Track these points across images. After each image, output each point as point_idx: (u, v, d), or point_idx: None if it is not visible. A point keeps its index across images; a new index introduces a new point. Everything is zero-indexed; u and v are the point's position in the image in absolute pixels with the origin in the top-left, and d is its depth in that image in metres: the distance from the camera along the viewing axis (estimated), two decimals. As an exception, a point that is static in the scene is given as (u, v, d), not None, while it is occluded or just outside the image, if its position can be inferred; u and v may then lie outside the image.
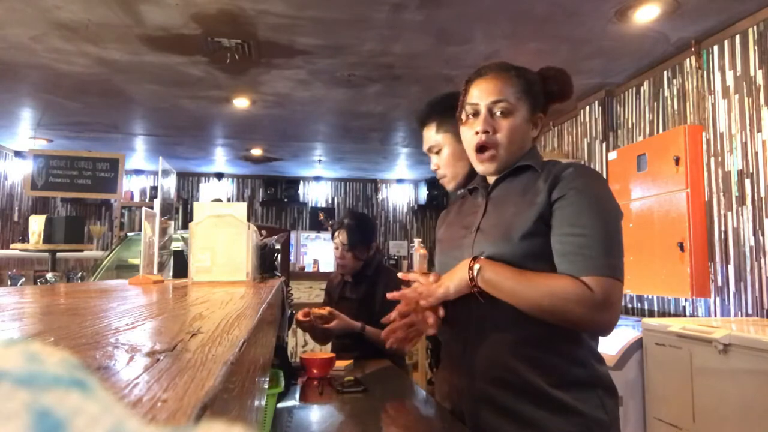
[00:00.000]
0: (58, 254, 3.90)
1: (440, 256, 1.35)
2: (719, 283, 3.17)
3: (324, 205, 8.15)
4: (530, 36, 3.28)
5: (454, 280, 1.15)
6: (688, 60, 3.45)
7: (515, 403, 1.11)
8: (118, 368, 0.31)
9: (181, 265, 1.69)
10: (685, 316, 3.42)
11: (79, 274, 4.17)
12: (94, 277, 3.78)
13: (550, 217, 1.12)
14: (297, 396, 1.62)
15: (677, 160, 3.30)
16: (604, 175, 3.98)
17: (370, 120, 5.09)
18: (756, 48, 2.99)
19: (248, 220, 1.46)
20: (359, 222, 2.46)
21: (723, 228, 3.16)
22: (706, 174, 3.28)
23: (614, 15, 2.99)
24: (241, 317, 0.58)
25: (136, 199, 7.43)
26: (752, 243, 2.97)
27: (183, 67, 3.79)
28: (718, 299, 3.18)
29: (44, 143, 5.88)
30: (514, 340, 1.13)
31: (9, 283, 4.08)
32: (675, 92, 3.58)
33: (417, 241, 2.72)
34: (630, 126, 4.03)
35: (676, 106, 3.58)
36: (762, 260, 2.90)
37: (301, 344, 4.03)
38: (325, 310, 2.20)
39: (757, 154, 2.96)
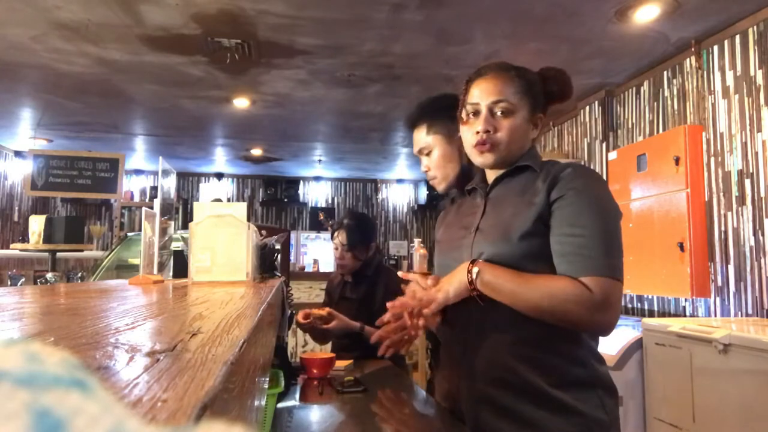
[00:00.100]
0: (58, 254, 3.90)
1: (439, 256, 1.34)
2: (719, 283, 3.17)
3: (324, 205, 8.15)
4: (530, 36, 3.28)
5: (453, 284, 1.15)
6: (688, 60, 3.45)
7: (515, 404, 1.11)
8: (118, 368, 0.32)
9: (181, 265, 1.69)
10: (685, 316, 3.41)
11: (79, 274, 4.17)
12: (94, 277, 3.78)
13: (549, 218, 1.12)
14: (297, 396, 1.62)
15: (677, 160, 3.30)
16: (604, 175, 3.98)
17: (370, 120, 5.09)
18: (756, 48, 2.99)
19: (248, 220, 1.46)
20: (359, 222, 2.47)
21: (723, 228, 3.16)
22: (706, 174, 3.28)
23: (614, 15, 2.99)
24: (241, 317, 0.58)
25: (136, 199, 7.42)
26: (752, 243, 2.97)
27: (183, 67, 3.79)
28: (718, 299, 3.18)
29: (44, 143, 5.88)
30: (513, 341, 1.13)
31: (9, 283, 4.07)
32: (675, 92, 3.58)
33: (417, 241, 2.70)
34: (630, 126, 4.03)
35: (676, 106, 3.58)
36: (762, 260, 2.90)
37: (301, 344, 4.03)
38: (324, 311, 2.20)
39: (757, 154, 2.96)
